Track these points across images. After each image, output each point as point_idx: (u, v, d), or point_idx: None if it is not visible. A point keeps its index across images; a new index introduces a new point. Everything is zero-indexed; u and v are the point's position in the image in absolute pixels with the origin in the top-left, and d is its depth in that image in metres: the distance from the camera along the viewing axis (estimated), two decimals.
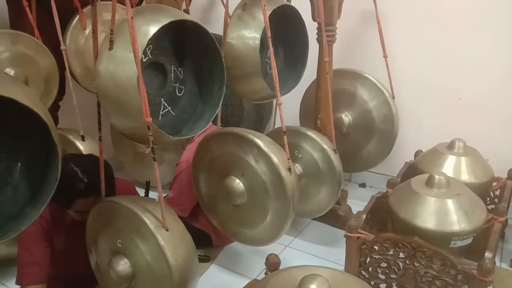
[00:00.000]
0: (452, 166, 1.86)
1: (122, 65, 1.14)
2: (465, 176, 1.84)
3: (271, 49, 1.49)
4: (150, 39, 1.17)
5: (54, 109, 2.38)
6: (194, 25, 1.31)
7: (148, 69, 1.33)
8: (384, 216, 1.85)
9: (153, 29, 1.16)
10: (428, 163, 1.93)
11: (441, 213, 1.50)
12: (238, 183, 1.68)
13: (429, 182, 1.59)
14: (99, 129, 1.32)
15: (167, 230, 1.21)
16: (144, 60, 1.30)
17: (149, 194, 1.76)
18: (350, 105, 2.36)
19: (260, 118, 2.83)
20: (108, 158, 2.67)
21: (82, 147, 2.03)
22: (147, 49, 1.30)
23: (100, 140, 1.34)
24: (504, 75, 2.23)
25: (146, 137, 1.20)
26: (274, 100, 2.95)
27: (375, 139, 2.36)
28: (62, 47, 1.96)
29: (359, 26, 2.50)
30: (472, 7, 2.22)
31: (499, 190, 2.05)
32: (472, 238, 1.52)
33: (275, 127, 3.03)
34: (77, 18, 2.11)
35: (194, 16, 2.94)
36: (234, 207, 1.74)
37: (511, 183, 2.02)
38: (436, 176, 1.58)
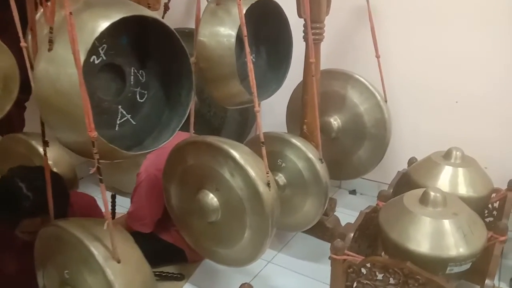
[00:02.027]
0: (449, 178, 1.70)
1: (64, 68, 0.97)
2: (463, 189, 1.68)
3: (247, 49, 1.31)
4: (98, 38, 0.99)
5: (19, 111, 2.20)
6: (155, 22, 1.13)
7: (102, 72, 1.16)
8: (374, 232, 1.69)
9: (101, 27, 0.98)
10: (423, 174, 1.77)
11: (437, 235, 1.34)
12: (211, 198, 1.51)
13: (424, 199, 1.43)
14: (43, 142, 1.14)
15: (118, 262, 1.04)
16: (96, 61, 1.13)
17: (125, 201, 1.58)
18: (339, 109, 2.19)
19: (244, 120, 2.66)
20: (80, 162, 2.49)
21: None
22: (100, 49, 1.13)
23: (45, 154, 1.16)
24: (505, 77, 2.07)
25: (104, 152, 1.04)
26: (262, 102, 2.81)
27: (366, 145, 2.19)
28: (23, 44, 1.77)
29: (351, 24, 2.33)
30: (472, 3, 2.05)
31: (498, 202, 1.90)
32: (471, 264, 1.36)
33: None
34: (41, 12, 1.92)
35: (177, 10, 2.78)
36: (208, 224, 1.57)
37: None
38: (432, 193, 1.42)
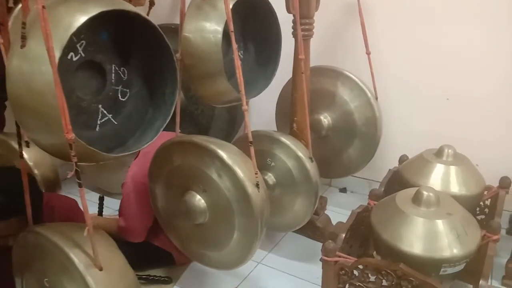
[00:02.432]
0: (441, 176, 1.68)
1: (38, 66, 0.90)
2: (455, 188, 1.65)
3: (234, 45, 1.26)
4: (75, 34, 0.93)
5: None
6: (137, 17, 1.07)
7: (80, 69, 1.10)
8: (365, 232, 1.66)
9: (78, 21, 0.93)
10: (414, 172, 1.74)
11: (430, 236, 1.31)
12: (199, 200, 1.46)
13: (416, 199, 1.40)
14: (19, 143, 1.08)
15: (100, 270, 0.99)
16: (74, 58, 1.07)
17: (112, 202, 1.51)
18: (329, 106, 2.15)
19: (233, 118, 2.61)
20: (62, 163, 2.42)
21: (27, 154, 1.78)
22: (78, 45, 1.07)
23: (21, 156, 1.10)
24: (497, 74, 2.05)
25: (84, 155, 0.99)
26: (250, 100, 2.76)
27: (357, 143, 2.16)
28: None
29: (341, 19, 2.29)
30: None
31: (489, 200, 1.88)
32: (464, 264, 1.34)
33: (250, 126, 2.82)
34: (19, 7, 1.85)
35: (162, 5, 2.71)
36: (195, 226, 1.52)
37: (504, 193, 1.84)
38: (425, 192, 1.39)
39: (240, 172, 1.35)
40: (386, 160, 2.24)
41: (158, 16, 2.53)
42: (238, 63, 1.27)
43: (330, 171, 2.30)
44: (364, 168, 2.29)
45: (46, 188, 1.94)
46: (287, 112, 2.03)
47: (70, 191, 2.61)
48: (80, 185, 0.95)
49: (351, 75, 2.08)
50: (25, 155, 1.78)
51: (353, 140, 2.15)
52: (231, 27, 1.25)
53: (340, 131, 2.17)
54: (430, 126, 2.23)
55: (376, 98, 2.08)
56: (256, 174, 1.37)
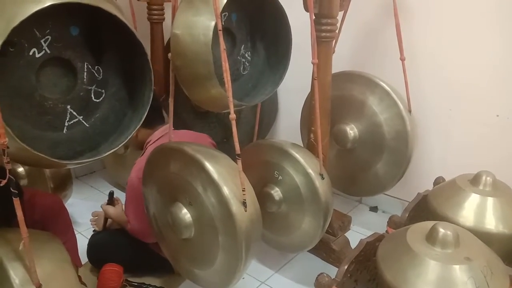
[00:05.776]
0: (474, 208, 1.42)
1: None
2: (491, 223, 1.39)
3: (222, 45, 1.12)
4: (38, 28, 0.86)
5: None
6: (100, 11, 0.97)
7: (46, 67, 1.02)
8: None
9: (22, 15, 0.84)
10: (444, 200, 1.50)
11: (441, 284, 1.08)
12: (184, 214, 1.34)
13: (431, 237, 1.17)
14: None
15: (38, 287, 0.90)
16: (38, 55, 0.99)
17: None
18: (357, 116, 1.94)
19: (259, 121, 2.46)
20: None
21: None
22: (42, 40, 0.99)
23: None
24: None
25: (35, 160, 0.91)
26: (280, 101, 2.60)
27: (385, 159, 1.92)
28: None
29: (374, 20, 2.04)
30: None
31: None
32: None
33: (278, 131, 2.66)
34: None
35: None
36: (183, 240, 1.40)
37: None
38: (441, 230, 1.15)
39: (225, 188, 1.21)
40: (422, 180, 1.99)
41: None
42: (226, 66, 1.13)
43: (354, 188, 2.10)
44: (398, 187, 2.05)
45: (56, 183, 1.93)
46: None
47: (93, 185, 2.63)
48: (15, 195, 0.86)
49: (381, 83, 1.86)
50: None
51: (381, 156, 1.93)
52: (220, 25, 1.11)
53: (367, 145, 1.95)
54: (475, 145, 1.93)
55: (410, 111, 1.84)
56: (243, 190, 1.22)
